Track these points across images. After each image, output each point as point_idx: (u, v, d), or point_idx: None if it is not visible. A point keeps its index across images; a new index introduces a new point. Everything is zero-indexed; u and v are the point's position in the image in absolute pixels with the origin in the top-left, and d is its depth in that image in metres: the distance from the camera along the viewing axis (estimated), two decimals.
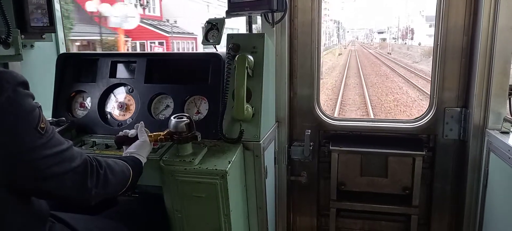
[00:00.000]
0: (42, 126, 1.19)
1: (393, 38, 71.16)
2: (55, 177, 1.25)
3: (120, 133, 1.92)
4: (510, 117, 2.32)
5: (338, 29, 72.46)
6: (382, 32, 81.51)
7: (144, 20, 25.50)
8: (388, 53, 45.51)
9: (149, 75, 2.35)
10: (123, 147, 1.90)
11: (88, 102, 2.41)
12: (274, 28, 2.46)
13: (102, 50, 13.46)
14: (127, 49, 21.37)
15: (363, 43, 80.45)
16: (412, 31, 61.30)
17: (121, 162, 1.62)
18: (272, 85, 2.46)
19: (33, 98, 1.22)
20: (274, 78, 2.55)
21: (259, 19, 2.47)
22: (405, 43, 57.93)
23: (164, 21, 28.86)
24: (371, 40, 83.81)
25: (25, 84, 1.19)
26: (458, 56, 2.54)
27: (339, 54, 43.89)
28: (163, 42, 25.91)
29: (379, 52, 48.55)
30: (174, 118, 1.88)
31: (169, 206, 1.99)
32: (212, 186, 1.85)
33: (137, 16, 23.46)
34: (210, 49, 2.34)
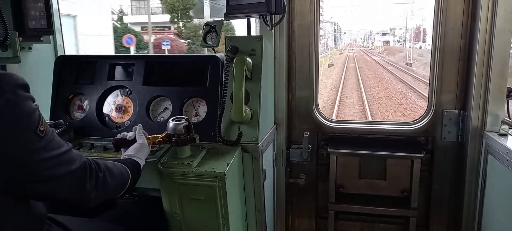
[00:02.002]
0: (41, 128, 1.19)
1: (398, 41, 62.64)
2: (54, 179, 1.25)
3: (118, 135, 1.91)
4: (508, 119, 2.32)
5: (335, 31, 62.58)
6: (385, 34, 71.27)
7: None
8: (407, 64, 30.19)
9: (147, 77, 2.35)
10: (121, 149, 1.89)
11: (86, 104, 2.41)
12: (273, 31, 2.46)
13: None
14: None
15: (363, 46, 69.45)
16: (424, 32, 49.03)
17: (119, 165, 1.62)
18: (270, 88, 2.46)
19: (33, 101, 1.21)
20: (273, 80, 2.55)
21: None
22: (420, 47, 44.66)
23: None
24: (372, 42, 72.54)
25: (25, 87, 1.19)
26: (456, 58, 2.55)
27: (330, 65, 30.29)
28: None
29: (389, 62, 33.77)
30: (172, 120, 1.88)
31: (167, 208, 1.98)
32: (210, 188, 1.84)
33: None
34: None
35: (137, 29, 31.71)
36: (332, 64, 31.53)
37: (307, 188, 3.01)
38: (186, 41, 28.67)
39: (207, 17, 31.63)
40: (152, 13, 34.07)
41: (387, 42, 65.47)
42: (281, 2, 2.18)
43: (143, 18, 34.04)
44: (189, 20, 30.75)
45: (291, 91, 2.88)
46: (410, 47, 43.59)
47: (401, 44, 58.48)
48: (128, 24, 32.41)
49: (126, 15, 34.13)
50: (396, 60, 35.37)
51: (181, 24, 30.54)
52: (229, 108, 2.06)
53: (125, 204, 2.06)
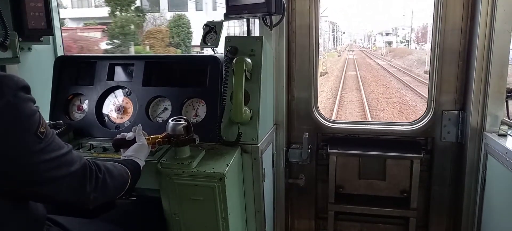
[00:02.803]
0: (41, 130, 1.19)
1: (401, 42, 58.18)
2: (54, 181, 1.25)
3: (118, 136, 1.91)
4: (507, 120, 2.32)
5: (333, 30, 58.52)
6: (389, 34, 65.97)
7: None
8: (426, 72, 21.01)
9: (147, 78, 2.35)
10: (121, 150, 1.89)
11: (85, 105, 2.41)
12: (272, 31, 2.47)
13: None
14: None
15: (363, 47, 64.05)
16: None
17: (119, 166, 1.62)
18: (270, 88, 2.46)
19: (34, 102, 1.22)
20: (272, 81, 2.55)
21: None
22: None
23: None
24: (373, 43, 67.26)
25: (26, 89, 1.19)
26: (456, 59, 2.55)
27: (323, 73, 22.38)
28: None
29: (399, 67, 26.88)
30: (172, 120, 1.88)
31: (167, 209, 1.98)
32: (210, 189, 1.84)
33: None
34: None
35: (79, 25, 26.48)
36: (326, 73, 22.99)
37: (306, 189, 3.01)
38: (112, 41, 21.30)
39: (164, 10, 27.65)
40: (96, 6, 28.26)
41: (390, 43, 60.96)
42: (281, 2, 2.18)
43: (89, 12, 28.05)
44: (140, 14, 24.34)
45: (291, 92, 2.88)
46: (416, 48, 39.19)
47: (405, 45, 54.04)
48: (67, 20, 26.98)
49: (65, 8, 28.23)
50: (406, 65, 27.93)
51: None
52: (228, 109, 2.06)
53: (124, 205, 2.06)
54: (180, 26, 25.06)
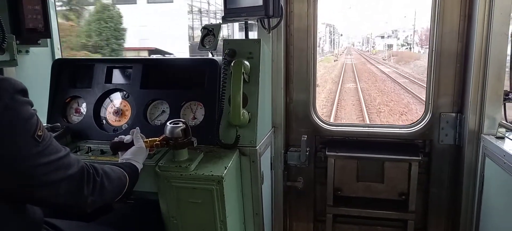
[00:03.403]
0: (39, 133, 1.19)
1: (402, 45, 54.99)
2: (51, 184, 1.24)
3: (116, 139, 1.91)
4: (505, 122, 2.33)
5: (330, 33, 55.67)
6: (390, 36, 62.85)
7: None
8: None
9: (145, 80, 2.34)
10: (119, 152, 1.88)
11: (83, 108, 2.40)
12: (270, 34, 2.47)
13: None
14: None
15: (362, 51, 59.89)
16: None
17: (117, 169, 1.61)
18: (268, 91, 2.46)
19: (32, 106, 1.21)
20: (270, 83, 2.55)
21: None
22: None
23: None
24: (373, 46, 63.36)
25: (23, 92, 1.18)
26: (453, 61, 2.56)
27: None
28: None
29: (410, 77, 21.22)
30: (170, 123, 1.87)
31: (165, 212, 1.97)
32: (208, 192, 1.84)
33: None
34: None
35: None
36: (318, 86, 15.86)
37: (305, 191, 3.01)
38: None
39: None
40: None
41: (390, 46, 56.82)
42: (279, 5, 2.19)
43: None
44: (76, 8, 19.23)
45: (289, 95, 2.89)
46: (419, 51, 36.21)
47: (406, 48, 50.72)
48: None
49: None
50: (417, 73, 22.65)
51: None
52: (227, 112, 2.06)
53: (122, 208, 2.05)
54: (102, 21, 18.77)
